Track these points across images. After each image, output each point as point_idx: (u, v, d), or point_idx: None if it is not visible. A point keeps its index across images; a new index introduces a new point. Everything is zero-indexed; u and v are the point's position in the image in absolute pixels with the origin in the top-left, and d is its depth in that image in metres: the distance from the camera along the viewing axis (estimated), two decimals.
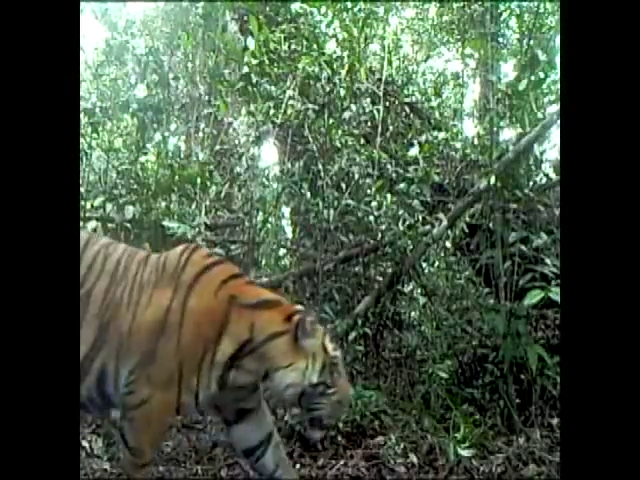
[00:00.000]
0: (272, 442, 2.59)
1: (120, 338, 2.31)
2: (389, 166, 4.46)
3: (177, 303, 2.34)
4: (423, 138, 4.66)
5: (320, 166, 4.26)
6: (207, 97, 5.18)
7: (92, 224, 4.18)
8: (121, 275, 2.41)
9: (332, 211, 4.15)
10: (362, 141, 4.57)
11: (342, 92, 4.39)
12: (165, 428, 2.61)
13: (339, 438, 3.28)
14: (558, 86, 3.97)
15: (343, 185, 4.27)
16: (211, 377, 2.35)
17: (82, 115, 4.01)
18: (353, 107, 4.47)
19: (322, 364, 2.39)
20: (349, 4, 4.93)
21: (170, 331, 2.31)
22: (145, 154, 4.47)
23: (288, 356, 2.38)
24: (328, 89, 4.35)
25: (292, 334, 2.40)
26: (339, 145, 4.33)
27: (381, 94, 4.74)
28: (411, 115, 5.37)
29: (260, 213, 4.75)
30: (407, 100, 5.35)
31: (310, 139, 4.32)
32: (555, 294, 3.07)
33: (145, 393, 2.28)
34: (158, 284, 2.39)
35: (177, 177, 4.09)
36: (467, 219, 4.50)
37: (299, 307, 2.62)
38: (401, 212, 4.14)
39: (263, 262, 4.66)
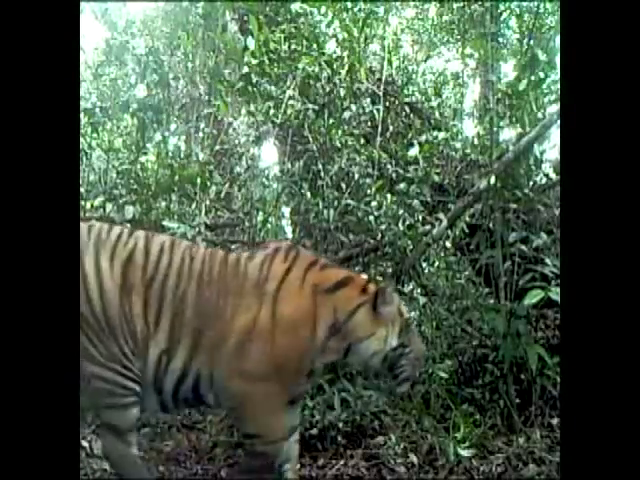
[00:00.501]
0: (295, 435, 2.66)
1: (212, 343, 2.37)
2: (389, 166, 4.45)
3: (266, 312, 2.39)
4: (423, 138, 4.65)
5: (320, 166, 4.25)
6: (207, 97, 5.18)
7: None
8: (207, 278, 2.44)
9: (332, 211, 4.14)
10: (362, 141, 4.57)
11: (342, 92, 4.39)
12: (280, 408, 2.52)
13: (339, 438, 3.27)
14: (558, 86, 3.97)
15: (343, 185, 4.26)
16: (306, 368, 2.45)
17: (82, 115, 4.01)
18: (353, 107, 4.46)
19: (400, 327, 2.54)
20: (349, 4, 4.93)
21: (262, 338, 2.36)
22: (145, 154, 4.46)
23: (369, 326, 2.49)
24: (328, 89, 4.34)
25: (370, 304, 2.50)
26: (339, 145, 4.32)
27: (381, 94, 4.73)
28: (411, 115, 5.37)
29: (260, 213, 4.75)
30: (407, 100, 5.34)
31: (310, 139, 4.31)
32: (555, 294, 3.07)
33: (242, 388, 2.35)
34: (242, 292, 2.43)
35: (177, 177, 4.08)
36: (467, 219, 4.50)
37: (364, 276, 2.75)
38: (401, 212, 4.13)
39: None
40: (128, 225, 3.89)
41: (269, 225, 4.61)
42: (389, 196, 4.18)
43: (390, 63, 5.25)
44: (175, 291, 2.39)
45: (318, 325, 2.44)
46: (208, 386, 2.40)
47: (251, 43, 4.17)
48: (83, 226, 2.42)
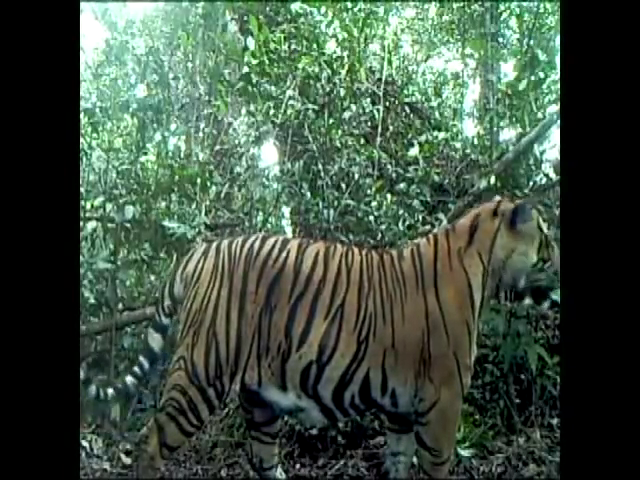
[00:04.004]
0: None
1: (383, 351, 2.37)
2: (389, 166, 4.45)
3: (432, 304, 2.40)
4: (423, 138, 4.66)
5: (320, 166, 4.25)
6: (207, 97, 5.18)
7: (92, 224, 4.18)
8: (367, 284, 2.43)
9: (332, 211, 4.14)
10: (362, 141, 4.57)
11: (342, 92, 4.39)
12: (458, 420, 2.67)
13: (339, 438, 3.27)
14: (558, 86, 3.97)
15: (343, 185, 4.26)
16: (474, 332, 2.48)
17: (82, 115, 4.00)
18: (353, 107, 4.47)
19: (539, 242, 2.54)
20: (349, 4, 4.93)
21: (437, 332, 2.38)
22: (145, 154, 4.45)
23: (508, 244, 2.51)
24: (328, 89, 4.35)
25: (507, 223, 2.51)
26: (339, 145, 4.32)
27: (381, 94, 4.74)
28: (411, 115, 5.37)
29: (260, 213, 4.74)
30: (407, 100, 5.35)
31: (310, 139, 4.31)
32: (555, 294, 3.07)
33: (434, 395, 2.38)
34: (405, 294, 2.43)
35: (177, 177, 4.08)
36: None
37: (494, 200, 2.71)
38: (401, 212, 4.13)
39: None
40: (128, 225, 3.92)
41: (269, 225, 4.61)
42: (389, 196, 4.18)
43: (390, 63, 5.26)
44: (330, 303, 2.37)
45: (474, 291, 2.45)
46: (380, 392, 2.40)
47: (251, 43, 4.17)
48: (238, 240, 2.47)
